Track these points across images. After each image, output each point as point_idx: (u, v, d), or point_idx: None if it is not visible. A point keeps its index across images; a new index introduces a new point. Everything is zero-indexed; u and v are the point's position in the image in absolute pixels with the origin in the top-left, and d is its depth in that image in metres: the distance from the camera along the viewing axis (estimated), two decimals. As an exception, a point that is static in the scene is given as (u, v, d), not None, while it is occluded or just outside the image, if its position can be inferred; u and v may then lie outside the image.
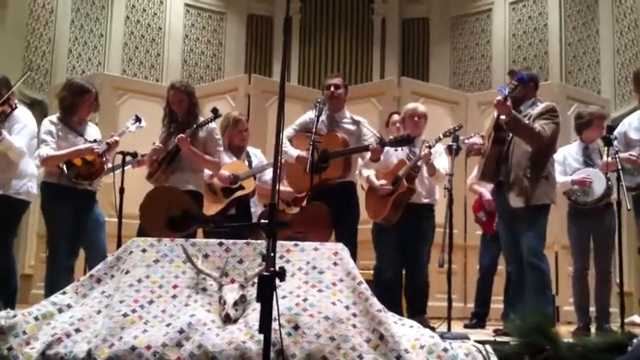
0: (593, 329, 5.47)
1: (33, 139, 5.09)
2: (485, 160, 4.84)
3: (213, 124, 5.14)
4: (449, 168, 4.97)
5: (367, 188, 5.45)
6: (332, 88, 5.31)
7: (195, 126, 5.02)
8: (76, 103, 5.00)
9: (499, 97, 4.58)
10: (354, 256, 5.22)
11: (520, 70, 4.96)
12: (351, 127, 5.34)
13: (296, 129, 5.36)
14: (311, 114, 5.31)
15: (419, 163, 5.26)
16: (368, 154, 5.14)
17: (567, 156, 5.72)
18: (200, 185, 5.15)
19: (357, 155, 5.28)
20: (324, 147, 5.10)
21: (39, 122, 5.23)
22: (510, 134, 4.75)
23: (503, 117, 4.66)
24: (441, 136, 5.45)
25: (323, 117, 5.29)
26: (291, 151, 5.22)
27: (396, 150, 5.19)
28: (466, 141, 5.14)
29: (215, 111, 5.12)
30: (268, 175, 5.57)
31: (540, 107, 4.78)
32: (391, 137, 5.16)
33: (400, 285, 5.44)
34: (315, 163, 4.93)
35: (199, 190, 5.11)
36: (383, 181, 5.34)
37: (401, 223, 5.27)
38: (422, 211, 5.40)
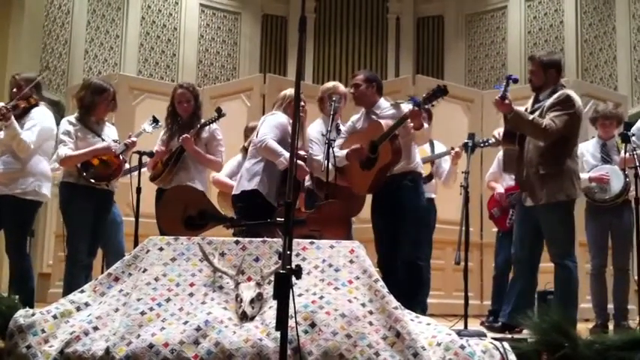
0: (611, 327, 5.43)
1: (47, 139, 5.09)
2: (504, 154, 4.85)
3: (215, 125, 5.19)
4: (465, 165, 4.92)
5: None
6: (352, 90, 5.22)
7: (199, 125, 5.07)
8: (94, 102, 5.03)
9: (497, 97, 4.54)
10: (415, 249, 4.96)
11: (541, 56, 4.78)
12: (391, 111, 5.08)
13: (344, 136, 5.20)
14: (354, 117, 5.26)
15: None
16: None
17: (585, 153, 5.68)
18: (203, 184, 5.21)
19: (408, 140, 4.99)
20: (371, 139, 4.93)
21: (56, 123, 5.26)
22: None
23: (530, 109, 4.64)
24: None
25: (358, 116, 5.23)
26: (339, 153, 5.02)
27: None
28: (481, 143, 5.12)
29: (219, 110, 5.15)
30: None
31: (553, 98, 4.61)
32: (424, 94, 4.83)
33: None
34: (367, 157, 4.88)
35: (202, 188, 5.17)
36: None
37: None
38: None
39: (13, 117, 4.90)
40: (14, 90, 5.13)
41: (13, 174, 4.98)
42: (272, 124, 5.05)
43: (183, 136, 5.02)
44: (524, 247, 4.77)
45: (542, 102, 4.66)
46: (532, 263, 4.79)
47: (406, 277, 4.87)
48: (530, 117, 4.54)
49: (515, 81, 4.68)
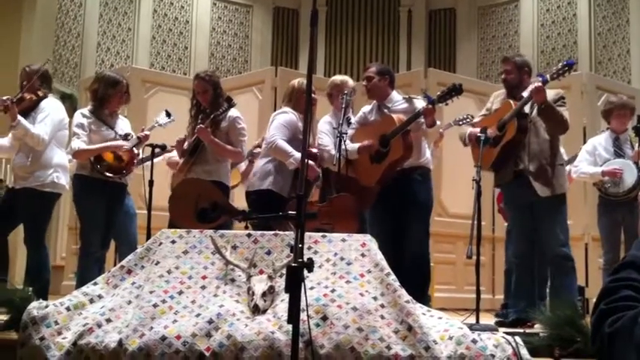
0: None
1: (61, 129, 5.10)
2: (504, 148, 4.75)
3: (236, 113, 5.12)
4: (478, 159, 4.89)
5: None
6: (364, 83, 5.19)
7: (212, 116, 5.00)
8: (108, 95, 5.04)
9: (539, 84, 4.52)
10: (425, 243, 4.98)
11: (515, 56, 4.98)
12: (404, 105, 5.06)
13: (355, 127, 5.17)
14: (365, 108, 5.25)
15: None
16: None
17: (598, 146, 5.66)
18: (224, 176, 5.15)
19: (418, 135, 4.97)
20: (382, 133, 4.90)
21: (69, 115, 5.27)
22: (529, 122, 4.72)
23: (529, 104, 4.63)
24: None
25: (370, 108, 5.21)
26: (350, 146, 4.97)
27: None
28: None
29: (229, 99, 5.09)
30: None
31: (553, 94, 4.70)
32: (438, 93, 4.83)
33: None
34: (378, 151, 4.87)
35: (223, 180, 5.09)
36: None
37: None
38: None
39: (19, 116, 4.89)
40: (24, 82, 5.13)
41: (31, 167, 4.99)
42: (281, 122, 5.06)
43: (198, 126, 4.97)
44: (525, 241, 4.83)
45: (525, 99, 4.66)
46: (534, 257, 4.84)
47: (416, 271, 4.87)
48: (557, 108, 4.61)
49: (571, 65, 4.64)
